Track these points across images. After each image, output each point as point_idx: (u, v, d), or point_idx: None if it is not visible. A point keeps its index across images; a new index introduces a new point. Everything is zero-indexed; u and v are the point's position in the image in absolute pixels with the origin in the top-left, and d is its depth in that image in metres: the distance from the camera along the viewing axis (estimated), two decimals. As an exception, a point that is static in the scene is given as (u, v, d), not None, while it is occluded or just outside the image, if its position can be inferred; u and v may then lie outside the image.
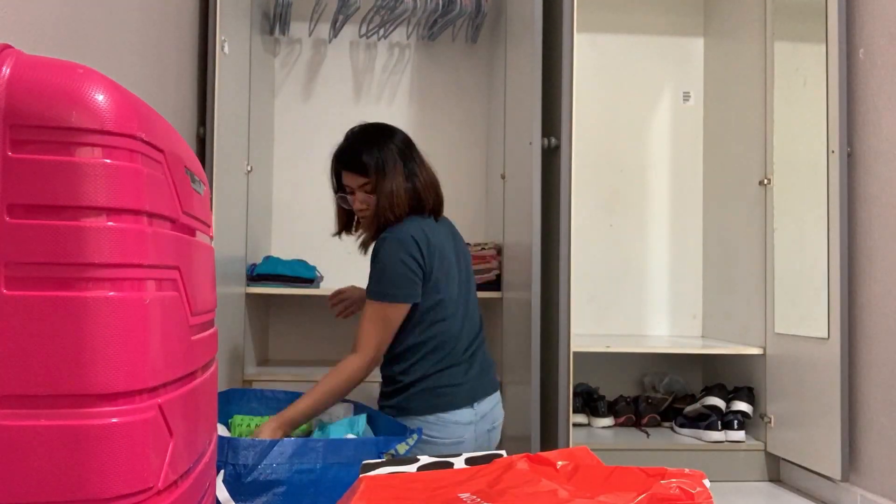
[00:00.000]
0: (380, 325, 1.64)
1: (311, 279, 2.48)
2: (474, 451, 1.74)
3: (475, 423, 1.72)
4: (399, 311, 1.65)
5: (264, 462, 1.28)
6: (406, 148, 1.78)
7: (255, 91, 2.45)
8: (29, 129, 0.60)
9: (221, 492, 1.22)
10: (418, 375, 1.68)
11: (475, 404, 1.72)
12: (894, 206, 1.94)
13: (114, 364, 0.62)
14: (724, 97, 2.78)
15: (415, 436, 1.42)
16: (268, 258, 2.49)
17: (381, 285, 1.64)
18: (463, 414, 1.69)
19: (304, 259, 2.67)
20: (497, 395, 1.81)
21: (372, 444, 1.35)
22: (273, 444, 1.30)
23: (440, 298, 1.68)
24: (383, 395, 1.75)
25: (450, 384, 1.70)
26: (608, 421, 2.61)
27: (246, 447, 1.29)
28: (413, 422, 1.66)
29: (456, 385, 1.70)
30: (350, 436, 1.51)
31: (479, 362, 1.77)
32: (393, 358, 1.72)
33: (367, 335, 1.65)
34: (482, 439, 1.76)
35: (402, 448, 1.36)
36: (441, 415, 1.66)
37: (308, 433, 1.66)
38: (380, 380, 1.80)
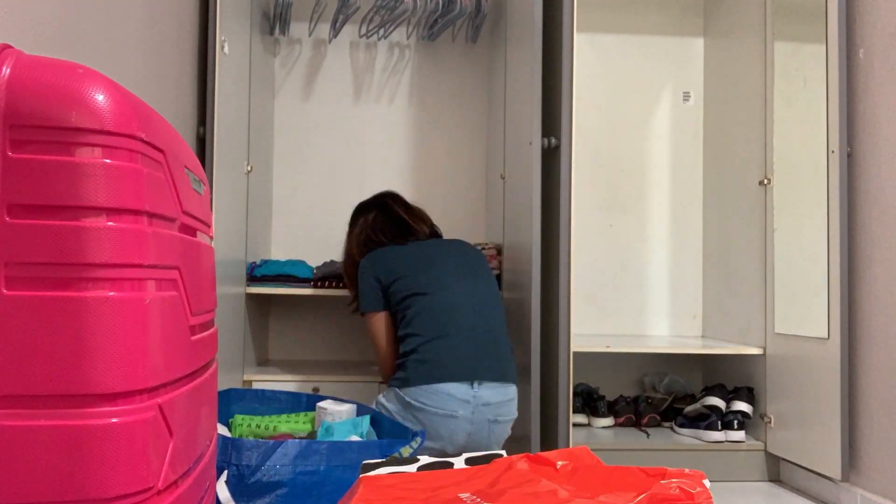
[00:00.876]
0: (369, 333, 2.03)
1: (310, 279, 2.48)
2: (470, 436, 1.79)
3: (472, 403, 1.76)
4: (374, 318, 2.01)
5: (268, 463, 1.28)
6: (358, 213, 2.20)
7: (255, 91, 2.45)
8: (29, 129, 0.60)
9: (223, 492, 1.22)
10: (415, 344, 1.84)
11: (474, 384, 1.78)
12: (894, 206, 1.94)
13: (114, 364, 0.62)
14: (724, 97, 2.78)
15: (418, 438, 1.42)
16: (266, 262, 2.49)
17: (359, 300, 2.04)
18: (457, 388, 1.77)
19: (303, 259, 2.67)
20: (510, 389, 1.85)
21: (375, 446, 1.35)
22: (277, 445, 1.29)
23: (418, 281, 1.93)
24: (394, 375, 1.90)
25: (446, 356, 1.80)
26: (608, 421, 2.61)
27: (249, 448, 1.28)
28: (411, 391, 1.78)
29: (450, 358, 1.80)
30: (354, 437, 1.51)
31: (489, 346, 1.85)
32: (399, 340, 1.95)
33: (372, 346, 2.05)
34: (481, 427, 1.78)
35: (405, 451, 1.36)
36: (435, 385, 1.77)
37: (311, 434, 1.66)
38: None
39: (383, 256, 2.01)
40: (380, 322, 2.00)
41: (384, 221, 2.12)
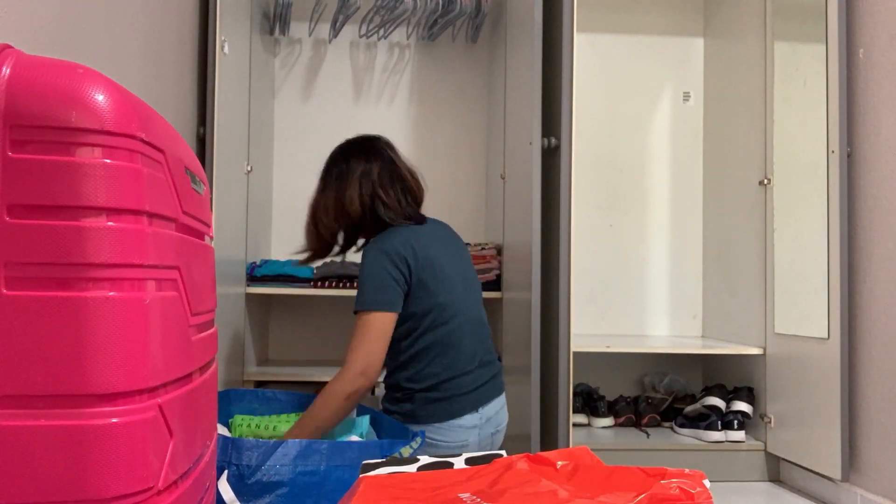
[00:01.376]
0: (364, 335, 1.58)
1: (310, 279, 2.48)
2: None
3: (479, 426, 1.72)
4: (381, 320, 1.59)
5: (268, 463, 1.28)
6: (349, 154, 1.80)
7: (255, 91, 2.45)
8: (29, 129, 0.60)
9: (227, 492, 1.22)
10: (427, 384, 1.67)
11: (480, 408, 1.72)
12: (894, 206, 1.94)
13: (114, 364, 0.62)
14: (724, 97, 2.78)
15: (418, 439, 1.42)
16: (266, 262, 2.50)
17: (362, 295, 1.62)
18: (468, 418, 1.69)
19: (304, 259, 2.66)
20: (502, 397, 1.82)
21: (376, 447, 1.35)
22: (277, 445, 1.30)
23: (438, 302, 1.67)
24: (390, 401, 1.73)
25: (459, 393, 1.69)
26: (608, 421, 2.61)
27: (250, 448, 1.29)
28: (421, 428, 1.64)
29: (465, 393, 1.70)
30: (354, 437, 1.51)
31: (487, 367, 1.77)
32: (399, 366, 1.71)
33: (352, 348, 1.59)
34: (485, 442, 1.76)
35: (406, 452, 1.36)
36: (448, 422, 1.67)
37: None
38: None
39: (406, 237, 1.67)
40: (388, 324, 1.60)
41: (396, 188, 1.75)
